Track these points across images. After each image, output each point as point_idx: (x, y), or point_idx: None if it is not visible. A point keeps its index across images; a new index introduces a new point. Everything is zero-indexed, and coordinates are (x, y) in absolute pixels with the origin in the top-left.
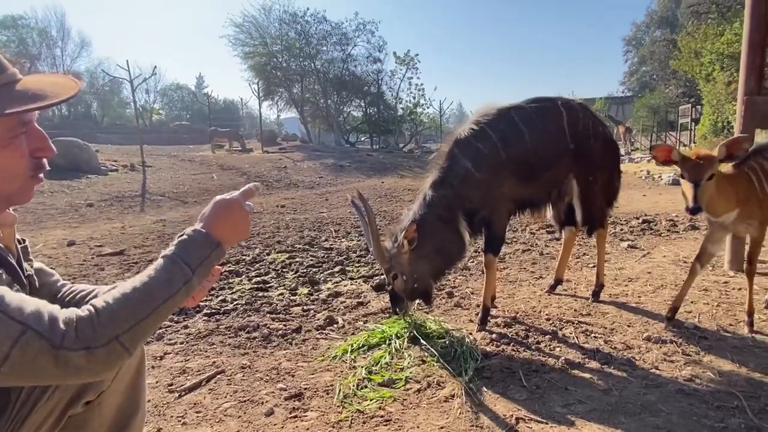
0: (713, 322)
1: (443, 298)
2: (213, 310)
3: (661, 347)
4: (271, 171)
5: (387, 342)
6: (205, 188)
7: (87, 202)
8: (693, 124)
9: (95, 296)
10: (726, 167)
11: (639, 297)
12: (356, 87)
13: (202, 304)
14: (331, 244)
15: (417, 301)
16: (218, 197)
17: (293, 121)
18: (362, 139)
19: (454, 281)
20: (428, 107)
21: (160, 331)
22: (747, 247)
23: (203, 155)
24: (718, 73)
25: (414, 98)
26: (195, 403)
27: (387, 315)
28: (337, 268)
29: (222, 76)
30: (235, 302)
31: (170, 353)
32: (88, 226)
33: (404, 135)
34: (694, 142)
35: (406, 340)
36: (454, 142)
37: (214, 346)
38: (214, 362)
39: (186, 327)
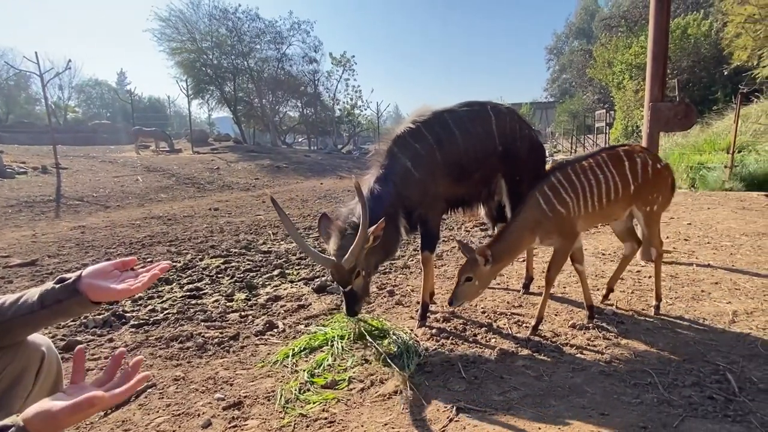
0: (629, 307)
1: (385, 296)
2: (141, 321)
3: (584, 333)
4: (202, 172)
5: (330, 344)
6: (129, 191)
7: None
8: (607, 127)
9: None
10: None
11: (564, 288)
12: (292, 87)
13: (128, 314)
14: (270, 247)
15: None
16: (66, 411)
17: (226, 121)
18: (299, 139)
19: (395, 280)
20: (366, 109)
21: (81, 346)
22: (551, 256)
23: (126, 156)
24: (628, 82)
25: (351, 100)
26: (123, 421)
27: (329, 317)
28: (276, 272)
29: (146, 73)
30: (165, 311)
31: (93, 369)
32: None
33: (342, 136)
34: (609, 145)
35: (348, 340)
36: (393, 140)
37: (143, 359)
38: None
39: (111, 340)
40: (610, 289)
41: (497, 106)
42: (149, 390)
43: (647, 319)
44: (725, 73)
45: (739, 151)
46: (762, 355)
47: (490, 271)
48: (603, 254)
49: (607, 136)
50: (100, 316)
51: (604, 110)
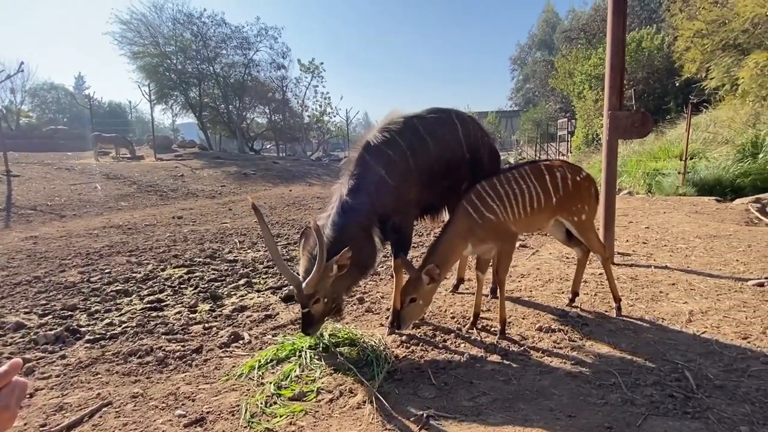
0: (592, 309)
1: (354, 304)
2: (97, 336)
3: (551, 336)
4: (165, 180)
5: (297, 354)
6: (87, 200)
7: None
8: (569, 135)
9: None
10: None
11: (531, 291)
12: (260, 93)
13: (83, 329)
14: (236, 256)
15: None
16: None
17: (191, 127)
18: (268, 146)
19: (364, 287)
20: (335, 116)
21: (30, 364)
22: (496, 261)
23: (85, 163)
24: (588, 92)
25: (320, 106)
26: None
27: (297, 327)
28: (242, 281)
29: (107, 77)
30: (124, 325)
31: (43, 389)
32: None
33: (312, 143)
34: (571, 152)
35: (317, 350)
36: (364, 148)
37: (99, 375)
38: (98, 394)
39: (63, 357)
40: (575, 293)
41: (461, 113)
42: (104, 409)
43: (610, 320)
44: (677, 84)
45: (691, 158)
46: (717, 353)
47: (432, 287)
48: (567, 258)
49: (569, 144)
50: (52, 332)
51: (566, 119)
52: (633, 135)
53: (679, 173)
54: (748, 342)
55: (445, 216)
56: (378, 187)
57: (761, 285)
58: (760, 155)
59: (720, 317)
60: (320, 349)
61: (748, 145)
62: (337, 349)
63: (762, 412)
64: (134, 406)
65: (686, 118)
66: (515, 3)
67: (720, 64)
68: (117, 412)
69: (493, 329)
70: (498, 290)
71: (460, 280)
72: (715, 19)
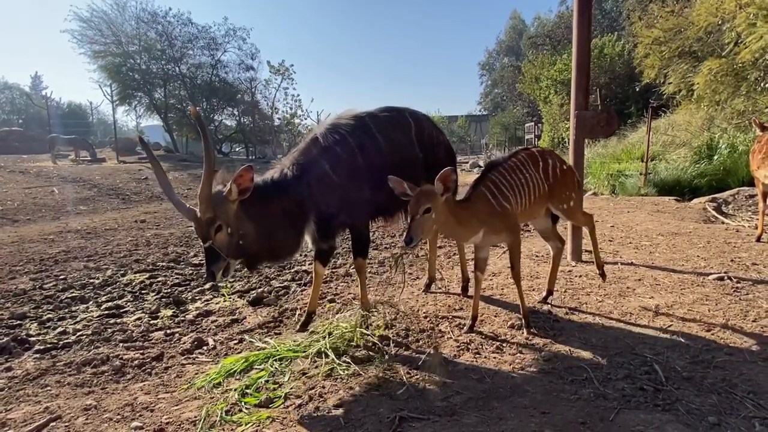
0: (563, 306)
1: (325, 305)
2: (49, 345)
3: (523, 333)
4: (128, 183)
5: (265, 359)
6: (43, 203)
7: None
8: (536, 139)
9: None
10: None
11: (502, 289)
12: (228, 94)
13: (32, 339)
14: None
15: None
16: None
17: (156, 129)
18: (237, 149)
19: (336, 288)
20: (306, 118)
21: None
22: (509, 254)
23: (41, 166)
24: (553, 96)
25: (291, 109)
26: None
27: (265, 330)
28: (207, 285)
29: (66, 77)
30: (78, 333)
31: None
32: None
33: (282, 145)
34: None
35: (288, 354)
36: (312, 141)
37: (48, 388)
38: (46, 408)
39: (9, 369)
40: (549, 292)
41: (415, 112)
42: (52, 424)
43: (579, 315)
44: (637, 89)
45: (652, 160)
46: (683, 345)
47: (450, 212)
48: (537, 256)
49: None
50: None
51: (533, 123)
52: (599, 134)
53: (640, 174)
54: (712, 334)
55: (400, 219)
56: (321, 183)
57: (721, 279)
58: (715, 157)
59: (685, 311)
60: (291, 353)
61: (703, 147)
62: (330, 355)
63: (728, 402)
64: (86, 419)
65: (647, 122)
66: (483, 9)
67: (677, 71)
68: (66, 426)
69: (466, 327)
70: (515, 283)
71: (431, 280)
72: (672, 28)
